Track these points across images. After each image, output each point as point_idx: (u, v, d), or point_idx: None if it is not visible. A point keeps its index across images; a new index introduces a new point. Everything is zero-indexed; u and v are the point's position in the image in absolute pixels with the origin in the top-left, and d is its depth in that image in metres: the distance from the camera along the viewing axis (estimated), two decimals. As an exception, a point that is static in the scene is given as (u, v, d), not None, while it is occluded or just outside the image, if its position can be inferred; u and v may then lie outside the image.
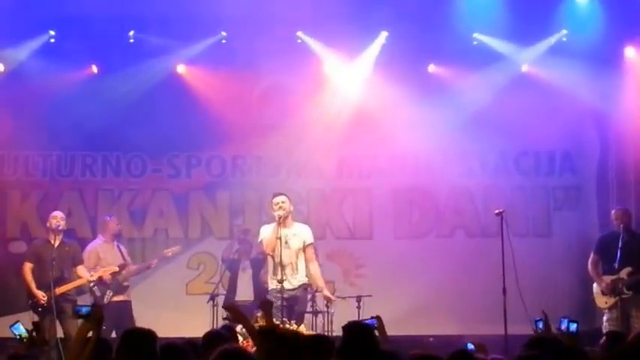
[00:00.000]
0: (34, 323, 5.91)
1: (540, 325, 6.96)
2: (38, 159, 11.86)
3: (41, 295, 9.61)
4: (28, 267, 9.82)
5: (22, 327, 5.97)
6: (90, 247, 10.46)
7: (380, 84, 11.77)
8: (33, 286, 9.69)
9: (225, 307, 7.52)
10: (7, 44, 11.19)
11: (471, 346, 6.62)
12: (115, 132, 11.63)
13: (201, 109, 11.73)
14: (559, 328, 6.70)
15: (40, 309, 9.60)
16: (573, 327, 6.52)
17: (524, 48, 11.71)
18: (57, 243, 9.81)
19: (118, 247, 10.48)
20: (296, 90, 11.79)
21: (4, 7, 10.62)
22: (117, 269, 10.13)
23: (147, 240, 11.77)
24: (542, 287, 11.09)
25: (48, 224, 9.92)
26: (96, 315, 5.44)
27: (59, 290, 9.70)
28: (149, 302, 10.80)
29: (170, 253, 10.64)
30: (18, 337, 5.92)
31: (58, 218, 9.92)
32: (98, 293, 10.12)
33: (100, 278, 10.02)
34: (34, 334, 5.82)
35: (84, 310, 5.50)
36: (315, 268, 9.38)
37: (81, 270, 10.03)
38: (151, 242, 11.81)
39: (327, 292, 9.39)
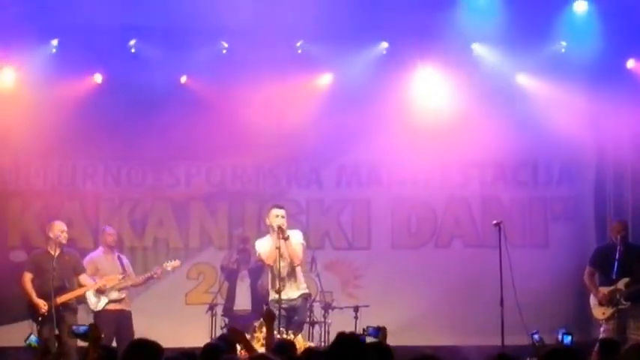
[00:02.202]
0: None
1: (536, 336, 7.03)
2: (39, 168, 11.90)
3: (42, 304, 9.63)
4: (27, 277, 9.84)
5: (34, 337, 6.00)
6: (88, 257, 10.46)
7: (378, 93, 11.82)
8: (33, 295, 9.71)
9: (229, 331, 7.57)
10: (11, 53, 11.25)
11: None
12: (116, 141, 11.67)
13: (200, 118, 11.76)
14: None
15: (40, 318, 9.62)
16: (567, 339, 6.56)
17: (522, 58, 11.74)
18: (57, 253, 9.84)
19: (119, 257, 10.47)
20: (295, 100, 11.83)
21: (9, 17, 10.68)
22: (120, 277, 10.14)
23: (147, 249, 11.80)
24: (539, 298, 11.11)
25: (50, 234, 9.91)
26: (94, 334, 5.46)
27: (60, 299, 9.72)
28: (148, 312, 10.82)
29: (170, 267, 10.51)
30: (31, 346, 5.95)
31: (62, 230, 9.93)
32: (93, 300, 10.13)
33: (104, 286, 10.04)
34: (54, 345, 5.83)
35: (82, 329, 5.53)
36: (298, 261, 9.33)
37: (84, 278, 10.05)
38: (152, 252, 11.83)
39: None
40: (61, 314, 9.67)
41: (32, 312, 9.70)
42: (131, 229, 11.91)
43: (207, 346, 6.16)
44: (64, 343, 9.38)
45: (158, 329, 10.71)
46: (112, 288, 10.13)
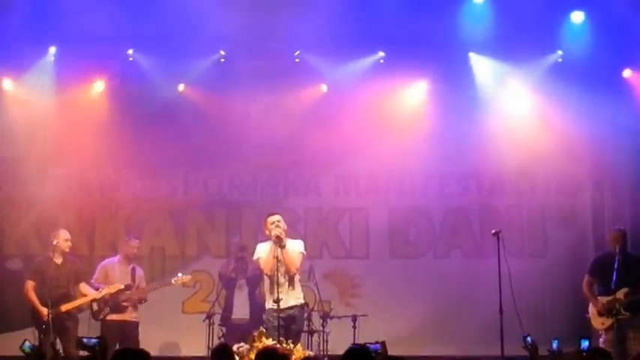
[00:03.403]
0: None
1: (529, 339, 7.10)
2: (36, 176, 11.83)
3: (46, 313, 9.56)
4: (30, 285, 9.72)
5: (28, 344, 6.02)
6: (103, 263, 10.42)
7: (377, 104, 11.84)
8: (37, 303, 9.62)
9: None
10: (9, 61, 11.24)
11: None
12: (113, 150, 11.62)
13: (198, 127, 11.76)
14: (550, 349, 6.83)
15: (44, 326, 9.54)
16: (585, 344, 6.66)
17: (519, 68, 11.76)
18: (60, 261, 9.80)
19: (133, 269, 10.38)
20: (293, 109, 11.83)
21: (7, 25, 10.68)
22: (122, 287, 10.06)
23: (143, 258, 11.73)
24: (537, 308, 11.12)
25: (55, 241, 9.84)
26: (102, 347, 5.45)
27: (66, 307, 9.67)
28: (145, 321, 10.70)
29: (180, 283, 10.34)
30: (24, 352, 5.98)
31: (66, 238, 9.88)
32: (95, 308, 10.07)
33: (107, 296, 9.98)
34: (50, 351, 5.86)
35: (92, 342, 5.54)
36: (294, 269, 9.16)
37: (83, 287, 9.99)
38: (148, 260, 11.78)
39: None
40: (66, 324, 9.61)
41: (36, 320, 9.60)
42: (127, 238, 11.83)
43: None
44: (67, 352, 9.32)
45: (154, 338, 10.70)
46: (113, 297, 10.05)
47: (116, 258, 10.44)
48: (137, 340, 10.03)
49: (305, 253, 9.26)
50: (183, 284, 10.47)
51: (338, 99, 11.92)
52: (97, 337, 5.75)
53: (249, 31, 10.97)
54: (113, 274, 10.20)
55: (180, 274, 10.36)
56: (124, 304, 10.13)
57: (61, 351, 9.39)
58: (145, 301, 10.35)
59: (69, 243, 9.90)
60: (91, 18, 10.59)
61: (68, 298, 9.75)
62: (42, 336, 9.40)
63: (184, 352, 11.13)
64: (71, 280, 9.87)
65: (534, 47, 11.57)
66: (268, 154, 11.94)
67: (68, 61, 11.29)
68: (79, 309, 9.97)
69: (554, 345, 7.14)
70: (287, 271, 9.05)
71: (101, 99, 11.67)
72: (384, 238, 12.17)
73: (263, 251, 9.19)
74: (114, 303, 10.07)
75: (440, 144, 11.70)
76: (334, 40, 11.20)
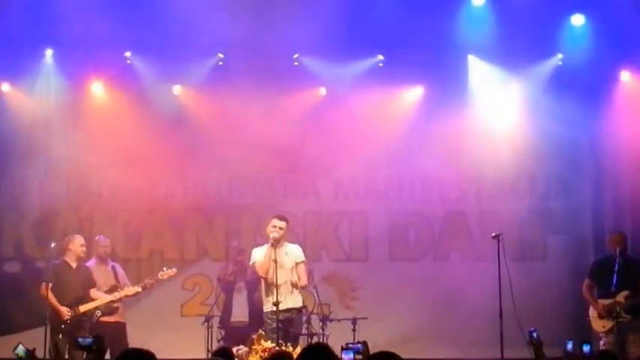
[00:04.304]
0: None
1: (535, 335, 7.10)
2: (35, 179, 11.83)
3: (66, 311, 9.55)
4: (46, 287, 9.73)
5: (22, 348, 6.02)
6: None
7: (376, 107, 11.83)
8: (57, 303, 9.59)
9: None
10: (7, 64, 11.23)
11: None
12: (111, 152, 11.61)
13: (197, 130, 11.75)
14: (565, 350, 6.81)
15: (62, 326, 9.52)
16: (587, 348, 6.65)
17: (518, 71, 11.76)
18: (75, 265, 9.81)
19: (113, 268, 10.35)
20: (292, 112, 11.82)
21: (4, 28, 10.68)
22: (140, 289, 10.03)
23: (142, 261, 11.73)
24: (537, 311, 11.09)
25: (70, 246, 9.80)
26: (99, 345, 5.44)
27: (83, 308, 9.67)
28: (143, 324, 10.72)
29: (166, 277, 10.24)
30: (18, 356, 5.97)
31: (82, 243, 9.88)
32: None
33: (124, 298, 9.96)
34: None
35: (87, 341, 5.52)
36: (303, 284, 9.31)
37: (94, 292, 9.95)
38: (147, 263, 11.76)
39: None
40: (83, 324, 9.63)
41: (55, 319, 9.55)
42: (126, 241, 11.82)
43: None
44: (72, 354, 9.29)
45: (153, 341, 10.56)
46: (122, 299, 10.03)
47: (92, 261, 10.34)
48: (126, 342, 9.99)
49: (305, 260, 9.30)
50: (169, 277, 10.34)
51: (337, 102, 11.90)
52: (92, 337, 5.73)
53: (247, 35, 10.96)
54: (97, 278, 10.14)
55: (165, 268, 10.24)
56: (115, 305, 10.09)
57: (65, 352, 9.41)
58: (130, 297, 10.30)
59: (84, 248, 9.92)
60: (88, 21, 10.62)
61: (82, 301, 9.76)
62: (61, 336, 9.39)
63: (183, 355, 11.08)
64: (85, 285, 9.86)
65: (534, 50, 11.57)
66: (267, 158, 11.90)
67: (65, 64, 11.30)
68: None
69: (569, 346, 7.12)
70: (295, 284, 9.05)
71: (98, 102, 11.65)
72: (383, 241, 12.14)
73: (258, 255, 9.20)
74: (105, 305, 10.03)
75: (439, 147, 11.67)
76: (333, 43, 11.20)
